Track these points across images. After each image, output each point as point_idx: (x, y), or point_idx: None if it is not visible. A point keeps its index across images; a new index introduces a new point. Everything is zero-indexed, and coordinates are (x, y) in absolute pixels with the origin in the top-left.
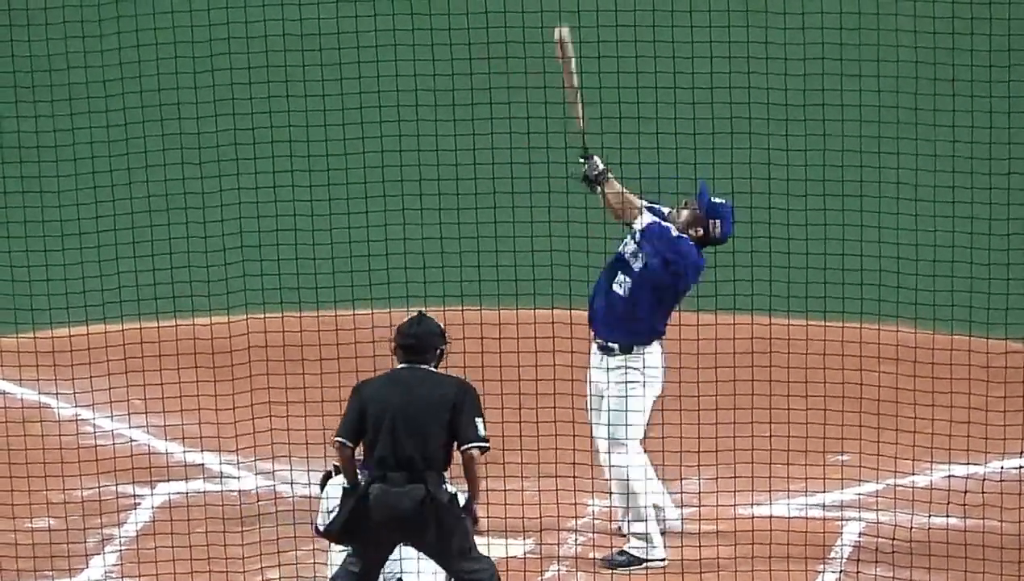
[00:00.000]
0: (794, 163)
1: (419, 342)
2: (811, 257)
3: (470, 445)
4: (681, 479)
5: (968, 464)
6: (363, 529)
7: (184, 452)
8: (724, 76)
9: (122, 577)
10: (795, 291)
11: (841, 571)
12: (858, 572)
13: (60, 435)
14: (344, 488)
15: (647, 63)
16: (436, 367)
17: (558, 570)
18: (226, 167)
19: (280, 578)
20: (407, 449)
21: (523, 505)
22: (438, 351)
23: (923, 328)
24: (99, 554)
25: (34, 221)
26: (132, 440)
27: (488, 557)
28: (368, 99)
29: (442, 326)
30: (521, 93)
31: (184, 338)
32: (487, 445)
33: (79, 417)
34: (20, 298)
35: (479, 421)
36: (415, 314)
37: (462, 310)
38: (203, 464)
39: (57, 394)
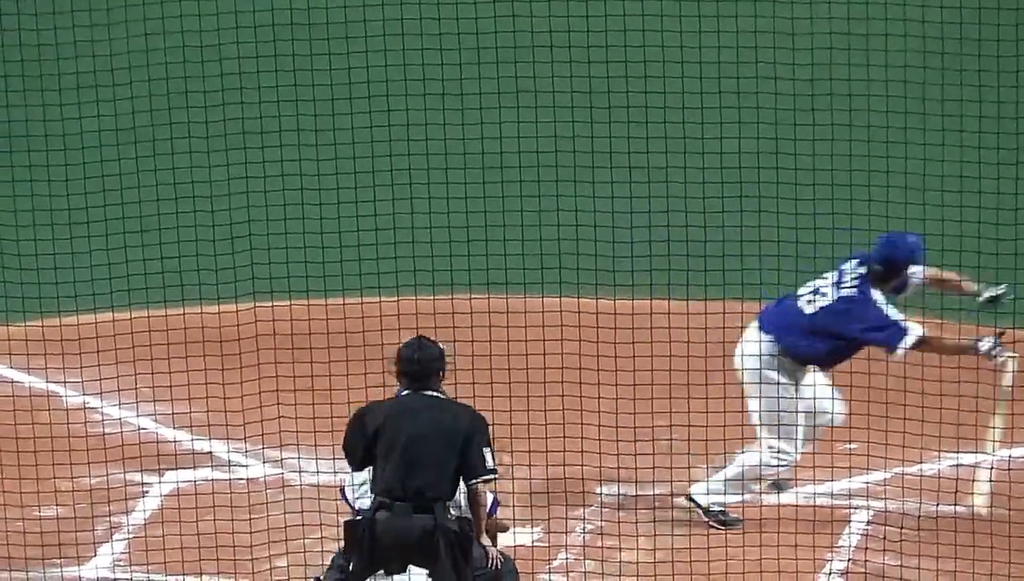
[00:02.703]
0: (802, 152)
1: (422, 368)
2: (819, 246)
3: (477, 480)
4: (690, 467)
5: (976, 452)
6: (371, 554)
7: (192, 440)
8: (731, 65)
9: (130, 565)
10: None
11: (849, 559)
12: (866, 560)
13: (68, 423)
14: (347, 520)
15: (655, 52)
16: (440, 388)
17: (566, 558)
18: (234, 155)
19: (288, 566)
20: (417, 480)
21: (531, 494)
22: (440, 374)
23: (931, 317)
24: (107, 542)
25: (42, 209)
26: (140, 428)
27: (508, 559)
28: (376, 87)
29: (441, 347)
30: (530, 82)
31: (192, 326)
32: (494, 476)
33: (87, 405)
34: (28, 286)
35: (487, 452)
36: (413, 339)
37: (470, 298)
38: (211, 452)
39: (65, 382)
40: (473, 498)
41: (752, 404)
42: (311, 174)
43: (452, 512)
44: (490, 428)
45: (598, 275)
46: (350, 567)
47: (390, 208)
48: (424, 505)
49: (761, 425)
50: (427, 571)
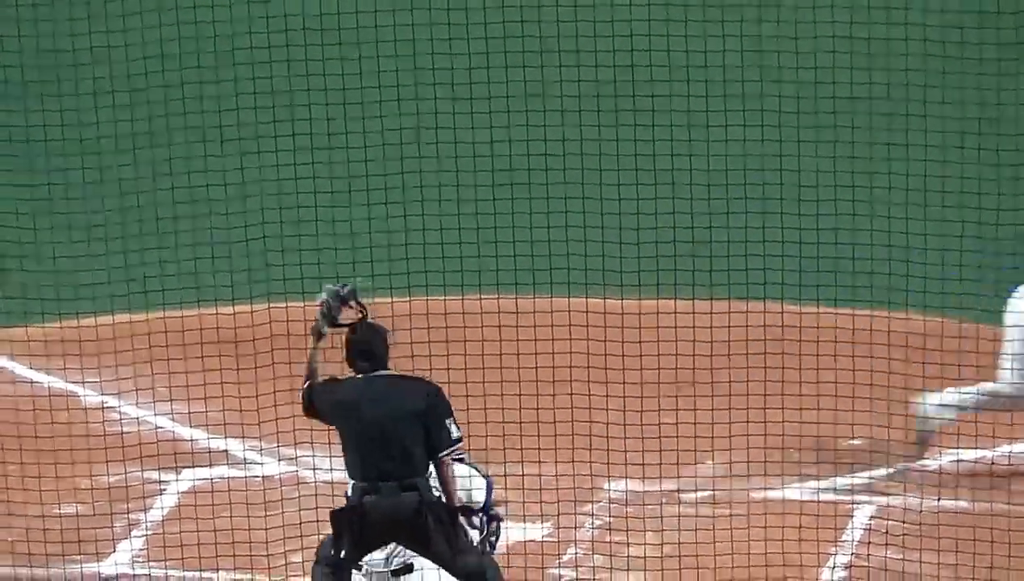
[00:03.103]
0: (806, 154)
1: (372, 346)
2: (822, 246)
3: (443, 454)
4: (695, 463)
5: (976, 448)
6: (361, 538)
7: (208, 439)
8: (737, 69)
9: (148, 561)
10: (807, 279)
11: (852, 554)
12: (869, 555)
13: (87, 422)
14: (333, 511)
15: (660, 56)
16: (389, 363)
17: (575, 553)
18: (248, 159)
19: (303, 562)
20: (390, 464)
21: (540, 489)
22: (388, 347)
23: (932, 315)
24: (126, 539)
25: (60, 212)
26: (157, 427)
27: (492, 559)
28: (388, 92)
29: (383, 326)
30: (538, 86)
31: (208, 327)
32: (460, 444)
33: (105, 405)
34: (46, 288)
35: (450, 423)
36: (360, 322)
37: (480, 298)
38: (227, 450)
39: (84, 382)
40: (442, 471)
41: (1009, 346)
42: (324, 176)
43: (436, 492)
44: (447, 393)
45: (606, 275)
46: (340, 555)
47: (401, 209)
48: (407, 484)
49: (1013, 369)
50: (422, 555)
